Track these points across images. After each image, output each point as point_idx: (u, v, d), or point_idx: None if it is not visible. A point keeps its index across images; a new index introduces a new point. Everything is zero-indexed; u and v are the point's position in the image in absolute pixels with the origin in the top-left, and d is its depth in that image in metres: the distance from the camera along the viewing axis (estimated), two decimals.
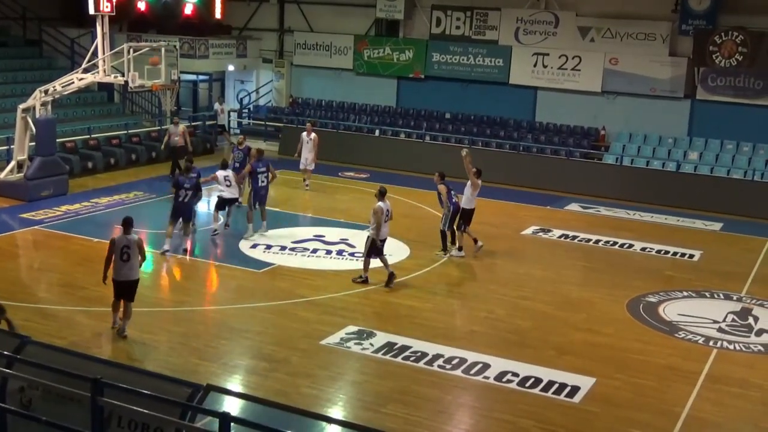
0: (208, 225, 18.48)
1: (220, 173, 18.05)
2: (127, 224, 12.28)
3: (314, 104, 30.18)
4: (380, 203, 15.30)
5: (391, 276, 15.25)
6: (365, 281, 15.28)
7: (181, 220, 16.75)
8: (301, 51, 30.31)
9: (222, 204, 18.23)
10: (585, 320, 14.27)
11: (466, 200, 17.29)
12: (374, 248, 15.26)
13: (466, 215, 17.34)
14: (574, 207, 22.74)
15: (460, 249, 17.32)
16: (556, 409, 10.93)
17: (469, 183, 17.28)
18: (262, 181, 18.16)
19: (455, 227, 17.34)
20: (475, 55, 27.44)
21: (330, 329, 13.07)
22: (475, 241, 17.34)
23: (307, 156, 22.95)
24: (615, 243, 19.17)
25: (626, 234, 19.94)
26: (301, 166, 23.16)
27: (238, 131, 30.01)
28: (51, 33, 29.88)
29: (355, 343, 12.63)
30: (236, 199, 18.56)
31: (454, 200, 17.35)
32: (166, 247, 16.52)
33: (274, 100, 31.24)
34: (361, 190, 23.50)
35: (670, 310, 14.83)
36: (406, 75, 28.70)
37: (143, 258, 12.54)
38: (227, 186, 17.99)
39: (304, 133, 23.09)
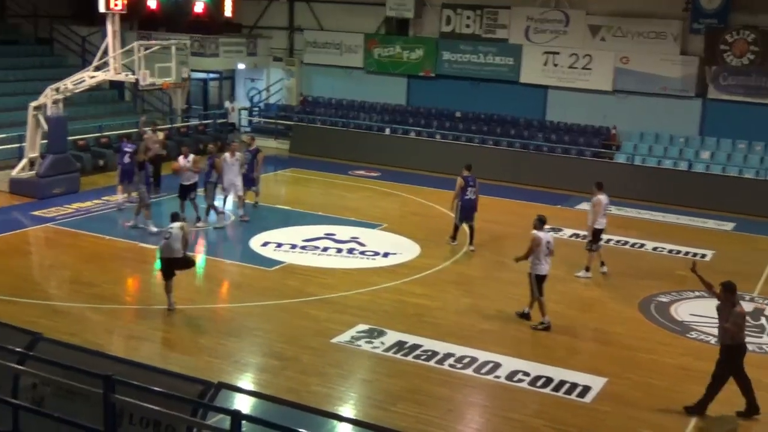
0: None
1: (183, 160, 18.60)
2: (173, 217, 13.98)
3: (324, 102, 30.20)
4: (538, 233, 13.58)
5: (525, 316, 13.82)
6: (548, 327, 13.49)
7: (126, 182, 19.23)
8: (312, 49, 30.31)
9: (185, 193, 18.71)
10: (596, 320, 14.23)
11: (593, 219, 16.21)
12: (541, 285, 13.62)
13: (596, 235, 16.33)
14: (584, 206, 22.46)
15: (587, 269, 16.31)
16: (567, 408, 10.89)
17: (592, 201, 16.31)
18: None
19: (588, 242, 16.43)
20: (485, 53, 27.38)
21: (340, 327, 13.07)
22: (602, 263, 16.61)
23: (234, 180, 18.95)
24: (626, 242, 19.12)
25: (637, 233, 19.87)
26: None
27: (248, 129, 30.06)
28: (62, 31, 30.01)
29: (366, 342, 12.62)
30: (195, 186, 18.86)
31: (466, 196, 17.45)
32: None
33: (285, 98, 31.24)
34: (371, 188, 23.50)
35: (682, 310, 14.76)
36: (416, 73, 28.66)
37: (185, 244, 13.60)
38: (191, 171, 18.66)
39: (227, 154, 18.97)
